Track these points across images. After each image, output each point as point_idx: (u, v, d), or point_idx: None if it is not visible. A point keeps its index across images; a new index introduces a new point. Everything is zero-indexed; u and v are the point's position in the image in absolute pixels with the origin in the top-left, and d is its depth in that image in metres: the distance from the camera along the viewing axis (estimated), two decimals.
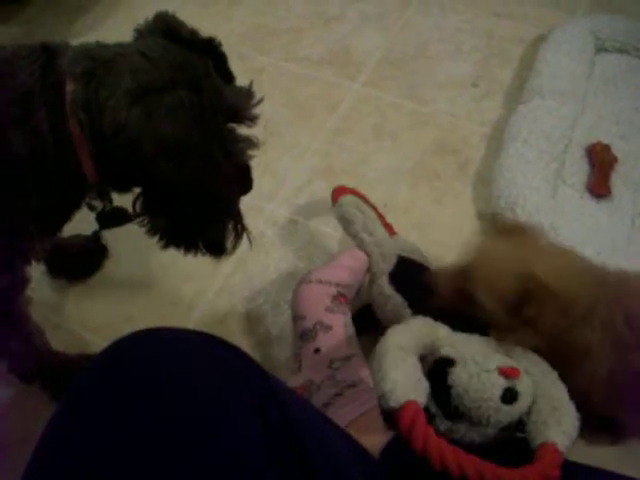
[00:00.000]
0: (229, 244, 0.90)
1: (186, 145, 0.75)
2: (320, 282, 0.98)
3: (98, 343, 1.09)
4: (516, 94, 1.47)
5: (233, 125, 0.83)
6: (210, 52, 0.82)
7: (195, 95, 0.75)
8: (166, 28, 0.81)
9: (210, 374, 0.55)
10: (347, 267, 1.01)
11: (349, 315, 0.98)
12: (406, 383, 0.71)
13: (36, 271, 1.12)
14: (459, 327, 0.86)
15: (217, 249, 0.89)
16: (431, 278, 0.93)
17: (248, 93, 0.84)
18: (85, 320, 1.12)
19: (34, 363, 1.00)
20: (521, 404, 0.75)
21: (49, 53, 0.77)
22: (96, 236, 1.20)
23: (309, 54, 1.61)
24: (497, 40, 1.63)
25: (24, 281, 0.91)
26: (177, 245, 0.87)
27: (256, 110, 0.84)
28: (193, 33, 0.82)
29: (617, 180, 1.28)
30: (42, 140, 0.75)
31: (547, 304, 0.82)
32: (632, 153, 1.33)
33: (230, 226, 0.89)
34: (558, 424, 0.73)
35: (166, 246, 0.86)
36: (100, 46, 0.78)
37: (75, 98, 0.74)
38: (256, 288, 1.16)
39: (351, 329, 0.96)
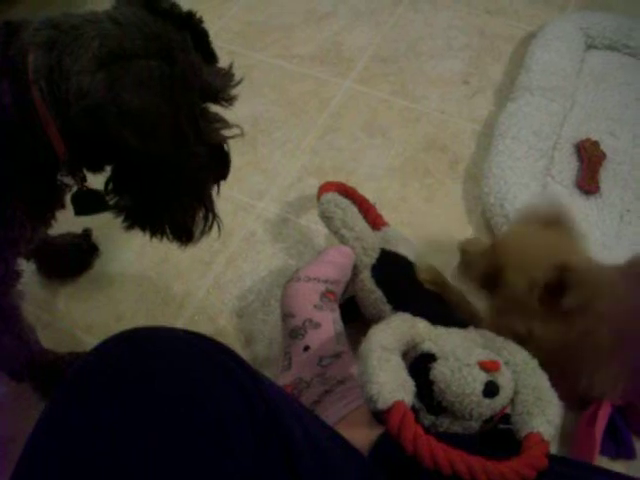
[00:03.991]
0: (197, 231, 0.86)
1: (152, 117, 0.71)
2: (308, 280, 0.98)
3: (89, 341, 1.10)
4: (507, 91, 1.48)
5: (208, 105, 0.80)
6: (190, 28, 0.79)
7: (167, 66, 0.72)
8: None
9: (199, 372, 0.56)
10: (334, 263, 1.01)
11: (338, 312, 0.99)
12: (392, 384, 0.71)
13: (26, 269, 1.13)
14: (438, 321, 0.87)
15: (184, 235, 0.85)
16: (461, 252, 0.95)
17: (227, 73, 0.82)
18: (76, 318, 1.13)
19: (25, 361, 1.00)
20: (502, 397, 0.76)
21: (11, 27, 0.74)
22: (86, 234, 1.20)
23: (301, 51, 1.61)
24: (488, 37, 1.64)
25: (16, 274, 0.90)
26: (142, 227, 0.83)
27: (234, 91, 0.81)
28: (173, 6, 0.78)
29: (606, 176, 1.28)
30: (6, 113, 0.72)
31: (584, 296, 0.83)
32: (621, 149, 1.33)
33: (200, 213, 0.85)
34: (542, 413, 0.74)
35: (130, 227, 0.83)
36: (67, 14, 0.74)
37: (37, 66, 0.70)
38: (246, 286, 1.16)
39: (340, 326, 0.97)
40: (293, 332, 0.95)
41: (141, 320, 1.12)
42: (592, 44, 1.55)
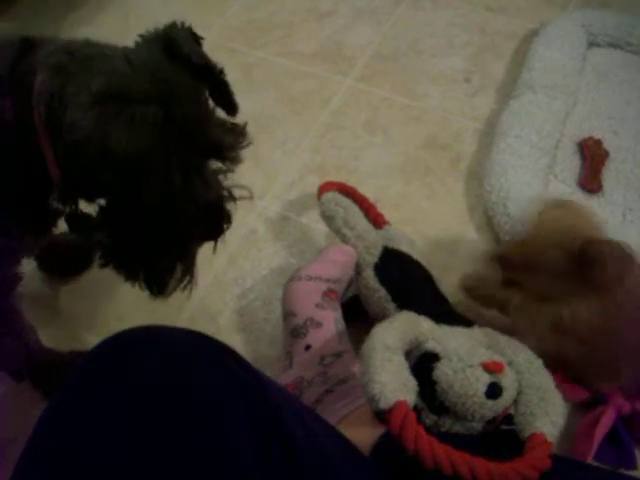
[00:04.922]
0: (170, 287, 0.81)
1: (138, 162, 0.68)
2: (310, 279, 0.98)
3: (89, 340, 1.10)
4: (508, 89, 1.47)
5: (210, 161, 0.77)
6: (210, 78, 0.77)
7: (164, 114, 0.69)
8: (168, 40, 0.75)
9: (200, 372, 0.55)
10: (336, 262, 1.01)
11: (339, 311, 0.99)
12: (394, 384, 0.71)
13: (28, 267, 1.13)
14: (442, 319, 0.87)
15: (157, 287, 0.81)
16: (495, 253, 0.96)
17: (239, 131, 0.79)
18: (76, 317, 1.12)
19: (25, 360, 0.99)
20: (505, 398, 0.76)
21: (27, 44, 0.73)
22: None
23: (302, 49, 1.60)
24: (490, 35, 1.63)
25: (15, 278, 0.90)
26: (117, 268, 0.79)
27: (241, 153, 0.79)
28: (194, 53, 0.75)
29: (608, 175, 1.28)
30: (7, 129, 0.71)
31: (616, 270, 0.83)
32: (623, 148, 1.33)
33: (179, 269, 0.81)
34: (546, 414, 0.74)
35: (104, 265, 0.79)
36: (85, 43, 0.74)
37: (40, 90, 0.69)
38: (247, 285, 1.16)
39: (342, 325, 0.96)
40: (294, 331, 0.95)
41: (142, 319, 1.11)
42: (594, 42, 1.54)
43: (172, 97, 0.70)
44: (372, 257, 1.02)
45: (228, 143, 0.77)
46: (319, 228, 1.23)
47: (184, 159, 0.71)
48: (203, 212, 0.77)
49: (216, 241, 0.85)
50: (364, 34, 1.64)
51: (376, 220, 1.12)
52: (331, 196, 1.09)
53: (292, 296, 0.97)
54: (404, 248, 1.05)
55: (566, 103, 1.38)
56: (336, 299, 0.99)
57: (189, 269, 0.82)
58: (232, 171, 0.80)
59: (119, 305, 1.14)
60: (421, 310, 0.86)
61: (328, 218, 1.08)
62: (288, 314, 0.97)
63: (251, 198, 0.82)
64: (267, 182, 1.32)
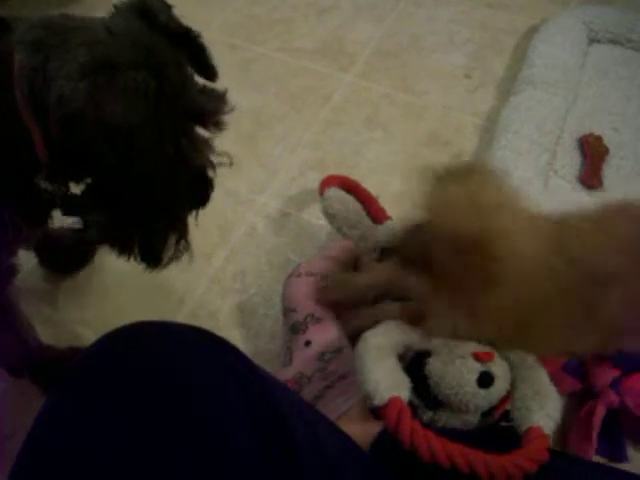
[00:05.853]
0: (166, 256, 0.82)
1: (133, 132, 0.67)
2: (311, 275, 0.98)
3: (88, 336, 1.09)
4: (509, 85, 1.47)
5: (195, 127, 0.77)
6: (188, 44, 0.76)
7: (155, 81, 0.68)
8: (144, 9, 0.74)
9: (199, 369, 0.55)
10: (336, 259, 1.01)
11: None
12: (388, 381, 0.72)
13: (27, 263, 1.13)
14: None
15: (152, 259, 0.82)
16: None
17: (220, 97, 0.78)
18: (75, 312, 1.12)
19: (24, 357, 0.99)
20: (498, 388, 0.76)
21: (2, 24, 0.71)
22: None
23: (302, 45, 1.60)
24: (490, 31, 1.63)
25: (11, 271, 0.88)
26: (111, 244, 0.80)
27: (224, 117, 0.78)
28: (171, 19, 0.75)
29: (609, 171, 1.28)
30: None
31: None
32: (624, 144, 1.33)
33: (173, 238, 0.82)
34: (541, 408, 0.74)
35: (99, 242, 0.82)
36: (61, 16, 0.72)
37: (21, 67, 0.67)
38: (247, 281, 1.16)
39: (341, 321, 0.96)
40: (294, 327, 0.95)
41: (141, 315, 1.10)
42: (595, 38, 1.54)
43: (158, 64, 0.69)
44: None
45: (212, 108, 0.77)
46: (320, 224, 1.23)
47: (175, 125, 0.71)
48: (193, 178, 0.78)
49: (202, 208, 0.85)
50: (364, 30, 1.63)
51: (377, 215, 1.12)
52: (332, 193, 1.09)
53: (292, 292, 0.97)
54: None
55: (566, 99, 1.38)
56: None
57: (183, 236, 0.83)
58: (215, 137, 0.79)
59: (117, 300, 1.14)
60: None
61: (330, 216, 1.08)
62: (288, 310, 0.97)
63: (231, 165, 0.81)
64: (267, 178, 1.32)
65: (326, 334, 0.92)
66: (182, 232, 0.82)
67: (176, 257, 0.83)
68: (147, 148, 0.69)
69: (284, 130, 1.41)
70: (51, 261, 1.18)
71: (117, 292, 1.15)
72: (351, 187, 1.14)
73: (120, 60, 0.67)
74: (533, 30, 1.59)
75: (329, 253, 1.02)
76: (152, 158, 0.70)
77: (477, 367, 0.75)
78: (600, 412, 0.93)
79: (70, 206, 0.79)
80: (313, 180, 1.28)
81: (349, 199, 1.09)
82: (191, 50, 0.77)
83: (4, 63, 0.68)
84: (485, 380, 0.75)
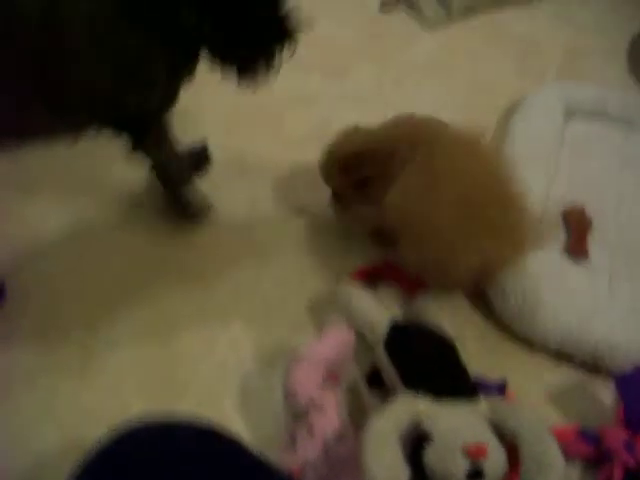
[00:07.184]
0: (259, 76, 1.07)
1: None
2: (310, 360, 1.00)
3: (91, 431, 1.09)
4: None
5: None
6: None
7: None
8: None
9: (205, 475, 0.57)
10: (335, 344, 1.03)
11: (340, 391, 1.00)
12: (387, 472, 0.75)
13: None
14: (446, 393, 0.89)
15: (247, 73, 1.06)
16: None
17: None
18: (80, 405, 1.13)
19: None
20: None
21: None
22: (203, 145, 1.49)
23: (291, 135, 1.65)
24: (472, 110, 1.69)
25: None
26: (221, 57, 1.04)
27: None
28: None
29: (593, 242, 1.32)
30: None
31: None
32: (605, 214, 1.38)
33: (277, 49, 1.05)
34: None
35: (212, 58, 1.05)
36: None
37: None
38: (249, 366, 1.18)
39: (343, 406, 0.98)
40: (296, 413, 0.96)
41: (144, 405, 1.13)
42: (571, 113, 1.61)
43: None
44: (378, 336, 1.05)
45: None
46: (319, 308, 1.26)
47: None
48: (281, 15, 1.02)
49: (286, 46, 1.07)
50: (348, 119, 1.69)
51: (410, 291, 1.20)
52: (342, 288, 1.16)
53: (293, 378, 0.99)
54: (432, 316, 1.11)
55: (548, 174, 1.43)
56: (336, 379, 1.01)
57: (272, 60, 1.06)
58: None
59: (120, 393, 1.15)
60: (427, 388, 0.89)
61: (340, 308, 1.14)
62: (289, 396, 0.98)
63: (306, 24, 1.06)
64: (262, 264, 1.35)
65: (328, 419, 0.94)
66: (270, 57, 1.05)
67: (265, 77, 1.08)
68: None
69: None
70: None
71: (119, 384, 1.16)
72: (376, 273, 1.25)
73: None
74: (512, 109, 1.65)
75: (329, 338, 1.04)
76: None
77: (466, 464, 0.78)
78: (618, 475, 0.95)
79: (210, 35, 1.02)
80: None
81: (355, 291, 1.15)
82: None
83: None
84: (473, 477, 0.78)
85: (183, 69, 1.10)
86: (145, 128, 1.18)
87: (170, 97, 1.14)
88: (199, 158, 1.47)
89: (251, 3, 0.99)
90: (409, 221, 1.11)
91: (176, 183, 1.36)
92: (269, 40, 1.05)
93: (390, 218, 1.14)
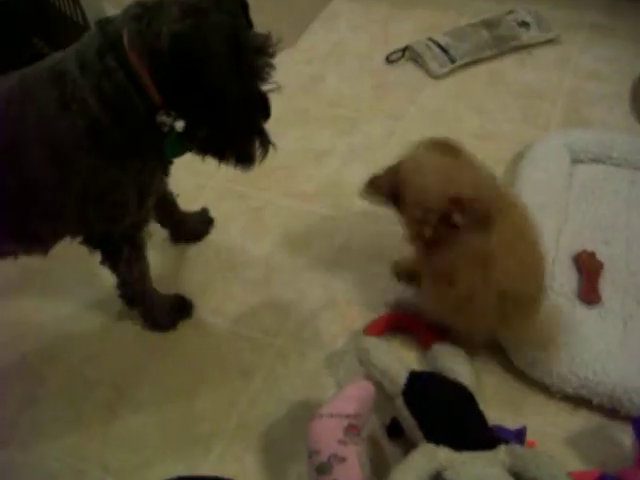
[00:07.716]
0: (257, 157, 1.09)
1: (225, 58, 0.94)
2: (331, 416, 1.02)
3: None
4: None
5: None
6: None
7: (232, 20, 0.96)
8: None
9: None
10: (355, 397, 1.05)
11: (362, 445, 1.02)
12: None
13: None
14: (466, 444, 0.91)
15: (247, 159, 1.09)
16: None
17: (268, 36, 1.02)
18: (106, 463, 1.16)
19: None
20: None
21: (103, 21, 0.98)
22: (204, 211, 1.56)
23: (304, 189, 1.70)
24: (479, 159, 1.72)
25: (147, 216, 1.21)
26: (214, 154, 1.08)
27: (274, 48, 1.02)
28: None
29: (605, 285, 1.34)
30: (116, 75, 0.95)
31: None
32: (616, 257, 1.40)
33: (257, 143, 1.08)
34: None
35: (204, 153, 1.08)
36: None
37: (130, 34, 0.94)
38: (271, 422, 1.20)
39: (365, 459, 0.99)
40: (319, 468, 0.97)
41: (169, 462, 1.15)
42: (577, 158, 1.63)
43: (227, 10, 0.97)
44: (397, 387, 1.07)
45: (265, 42, 1.01)
46: (336, 363, 1.28)
47: (246, 53, 0.98)
48: (263, 97, 1.06)
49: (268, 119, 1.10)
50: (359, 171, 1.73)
51: (425, 341, 1.23)
52: (360, 343, 1.18)
53: (315, 434, 1.01)
54: (452, 366, 1.13)
55: (557, 220, 1.46)
56: (358, 433, 1.02)
57: (265, 138, 1.10)
58: (272, 65, 1.04)
59: (146, 450, 1.18)
60: (447, 438, 0.90)
61: (359, 361, 1.16)
62: (312, 452, 1.00)
63: (279, 88, 1.08)
64: (281, 319, 1.39)
65: (350, 473, 0.95)
66: (263, 136, 1.09)
67: (263, 154, 1.10)
68: (233, 68, 0.95)
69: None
70: (178, 233, 1.52)
71: (144, 442, 1.19)
72: (395, 322, 1.30)
73: (205, 7, 0.94)
74: (519, 156, 1.68)
75: (347, 393, 1.06)
76: (237, 76, 0.97)
77: None
78: None
79: (173, 147, 1.07)
80: (327, 320, 1.35)
81: (374, 343, 1.17)
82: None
83: (118, 40, 0.95)
84: None
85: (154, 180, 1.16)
86: (115, 246, 1.19)
87: (141, 216, 1.18)
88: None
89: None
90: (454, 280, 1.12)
91: (146, 310, 1.36)
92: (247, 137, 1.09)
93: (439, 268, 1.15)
